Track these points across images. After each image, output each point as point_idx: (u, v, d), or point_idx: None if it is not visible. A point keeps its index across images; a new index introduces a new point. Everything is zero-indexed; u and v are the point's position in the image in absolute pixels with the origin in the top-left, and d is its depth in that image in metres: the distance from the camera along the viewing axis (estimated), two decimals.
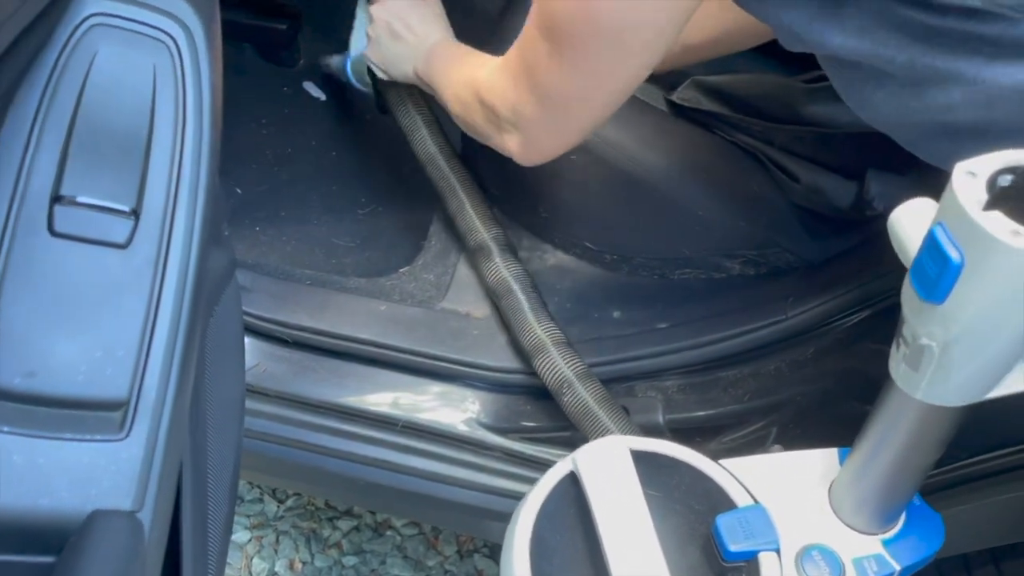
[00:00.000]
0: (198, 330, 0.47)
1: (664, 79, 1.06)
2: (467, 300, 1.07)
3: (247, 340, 1.06)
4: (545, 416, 1.00)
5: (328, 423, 1.02)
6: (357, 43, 1.11)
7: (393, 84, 1.07)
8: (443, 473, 1.01)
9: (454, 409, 1.02)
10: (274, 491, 1.46)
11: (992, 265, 0.45)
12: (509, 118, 0.81)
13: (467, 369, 1.02)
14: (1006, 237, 0.44)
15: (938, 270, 0.47)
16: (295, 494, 1.46)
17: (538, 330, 0.94)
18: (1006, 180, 0.48)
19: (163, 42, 0.46)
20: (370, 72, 1.09)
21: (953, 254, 0.46)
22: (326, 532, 1.43)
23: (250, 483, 1.45)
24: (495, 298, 1.01)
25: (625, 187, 1.00)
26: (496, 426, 1.01)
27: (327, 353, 1.04)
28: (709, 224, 0.99)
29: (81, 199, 0.42)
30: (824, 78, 0.73)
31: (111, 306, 0.42)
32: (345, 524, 1.43)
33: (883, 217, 0.55)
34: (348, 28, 1.58)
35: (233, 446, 0.81)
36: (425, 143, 1.05)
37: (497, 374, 1.02)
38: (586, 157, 0.99)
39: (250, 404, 1.04)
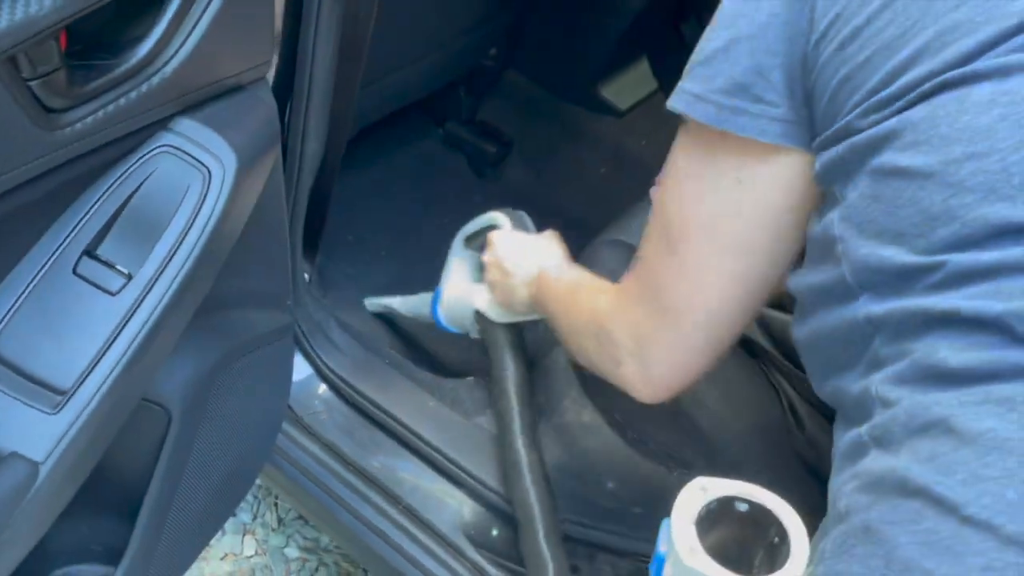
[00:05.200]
0: (148, 362, 0.67)
1: None
2: None
3: (326, 390, 1.28)
4: (517, 546, 1.11)
5: (351, 479, 1.20)
6: (445, 285, 1.21)
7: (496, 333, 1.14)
8: (419, 560, 1.15)
9: (450, 510, 1.16)
10: None
11: (675, 567, 0.54)
12: (628, 344, 0.77)
13: (472, 480, 1.16)
14: (684, 551, 0.53)
15: (656, 557, 0.56)
16: None
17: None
18: (743, 506, 0.56)
19: (201, 172, 0.68)
20: (478, 316, 1.15)
21: (662, 548, 0.55)
22: None
23: None
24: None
25: None
26: (475, 538, 1.13)
27: (373, 423, 1.23)
28: (712, 438, 1.06)
29: (101, 257, 0.65)
30: None
31: (88, 329, 0.64)
32: None
33: None
34: (551, 161, 1.81)
35: (244, 455, 1.01)
36: (503, 367, 1.13)
37: (493, 494, 1.14)
38: None
39: (304, 442, 1.25)
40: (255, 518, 1.63)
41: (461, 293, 1.18)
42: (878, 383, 0.56)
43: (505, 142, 1.79)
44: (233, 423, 0.95)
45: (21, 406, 0.61)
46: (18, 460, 0.60)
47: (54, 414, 0.62)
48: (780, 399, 1.04)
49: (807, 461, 1.00)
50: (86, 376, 0.63)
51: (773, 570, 0.55)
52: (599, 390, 1.21)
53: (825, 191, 0.63)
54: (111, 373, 0.63)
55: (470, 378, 1.30)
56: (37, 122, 0.55)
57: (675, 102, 0.66)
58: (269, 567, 1.58)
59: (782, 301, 1.13)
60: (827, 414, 1.01)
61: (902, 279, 0.55)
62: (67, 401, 0.62)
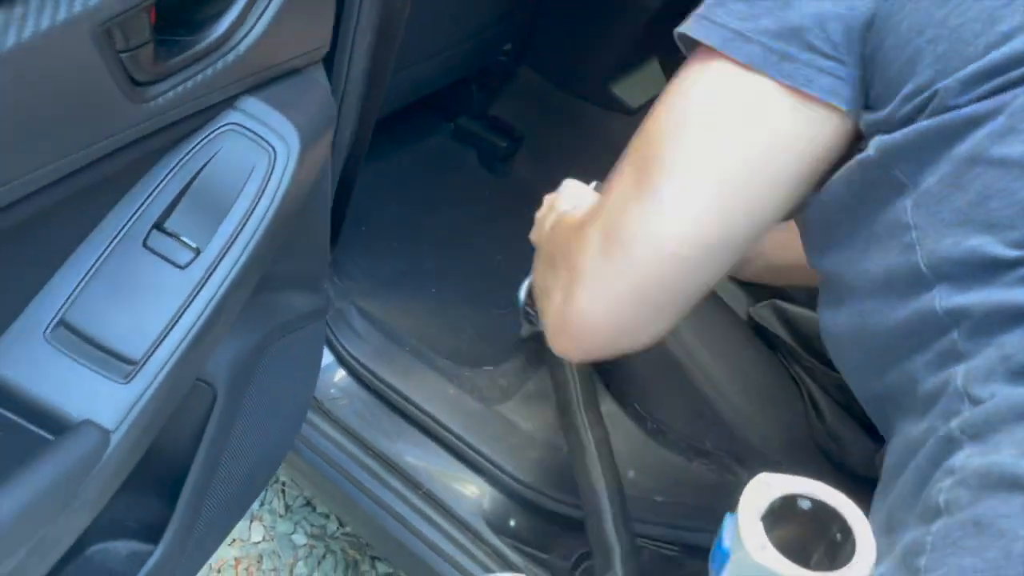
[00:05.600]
0: (212, 336, 0.68)
1: (753, 290, 1.18)
2: (521, 413, 1.23)
3: (346, 378, 1.29)
4: (535, 534, 1.13)
5: (371, 465, 1.21)
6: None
7: None
8: (438, 545, 1.16)
9: (470, 496, 1.17)
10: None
11: (741, 563, 0.55)
12: (563, 276, 0.68)
13: (493, 468, 1.17)
14: (752, 547, 0.54)
15: (718, 551, 0.58)
16: None
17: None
18: (806, 504, 0.58)
19: (267, 151, 0.69)
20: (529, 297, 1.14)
21: (726, 543, 0.57)
22: (364, 567, 1.61)
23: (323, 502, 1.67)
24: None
25: (676, 371, 1.12)
26: (495, 524, 1.15)
27: (394, 409, 1.24)
28: (734, 430, 1.08)
29: (170, 230, 0.66)
30: None
31: (158, 302, 0.65)
32: (382, 568, 1.61)
33: None
34: (560, 158, 1.82)
35: (275, 438, 1.02)
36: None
37: (514, 482, 1.16)
38: None
39: (324, 427, 1.26)
40: (262, 504, 1.64)
41: None
42: (963, 377, 0.54)
43: (516, 137, 1.81)
44: (269, 405, 0.96)
45: (93, 375, 0.62)
46: (91, 427, 0.61)
47: (125, 384, 0.63)
48: (801, 392, 1.07)
49: (828, 453, 1.03)
50: (156, 347, 0.64)
51: (834, 567, 0.56)
52: (615, 380, 1.23)
53: (879, 172, 0.58)
54: (179, 345, 0.64)
55: (488, 367, 1.31)
56: (126, 94, 0.56)
57: (707, 35, 0.58)
58: (276, 553, 1.59)
59: (785, 292, 1.16)
60: (849, 407, 1.04)
61: (989, 271, 0.53)
62: (137, 371, 0.63)
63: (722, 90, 0.59)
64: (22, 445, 0.61)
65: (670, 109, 0.62)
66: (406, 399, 1.24)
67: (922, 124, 0.55)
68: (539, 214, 1.02)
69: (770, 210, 0.61)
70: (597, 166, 1.86)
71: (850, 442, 1.00)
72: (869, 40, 0.56)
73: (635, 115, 1.82)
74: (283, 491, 1.66)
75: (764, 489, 0.57)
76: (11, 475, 0.57)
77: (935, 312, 0.56)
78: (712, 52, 0.58)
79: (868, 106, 0.58)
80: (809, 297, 1.16)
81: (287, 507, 1.65)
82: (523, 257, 1.36)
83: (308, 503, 1.66)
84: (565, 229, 0.75)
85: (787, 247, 1.01)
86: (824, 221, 0.65)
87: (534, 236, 1.02)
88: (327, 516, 1.66)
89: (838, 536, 0.58)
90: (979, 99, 0.53)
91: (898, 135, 0.56)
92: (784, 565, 0.55)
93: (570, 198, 0.98)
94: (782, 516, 0.58)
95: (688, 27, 0.60)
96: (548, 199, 1.03)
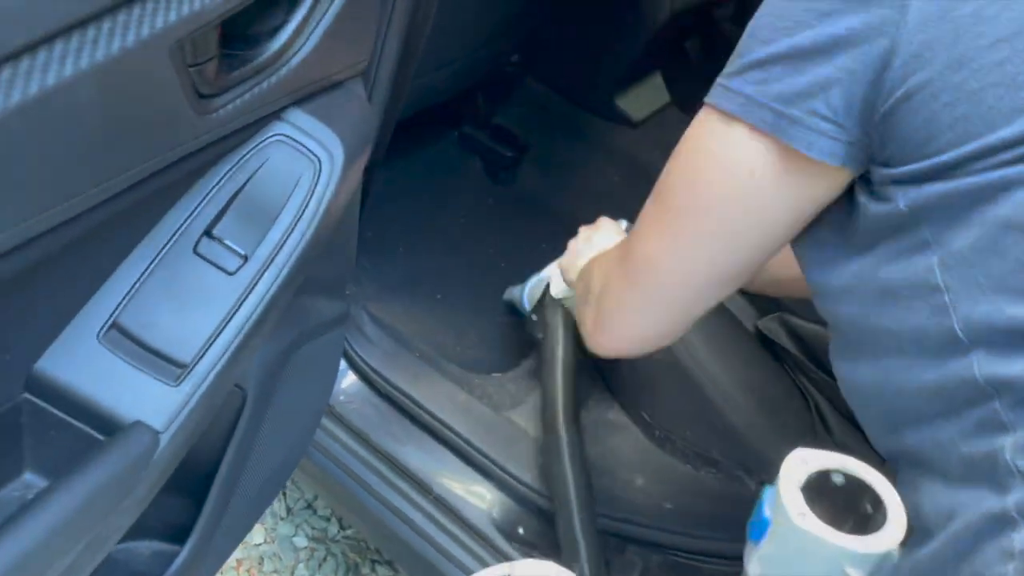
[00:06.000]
0: (256, 342, 0.70)
1: (760, 303, 1.21)
2: (529, 418, 1.25)
3: (357, 382, 1.31)
4: (545, 540, 1.15)
5: (382, 468, 1.23)
6: (547, 271, 1.26)
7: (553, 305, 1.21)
8: (448, 550, 1.18)
9: (480, 500, 1.19)
10: (340, 518, 1.68)
11: (782, 530, 0.58)
12: (596, 288, 0.82)
13: (502, 472, 1.19)
14: (794, 514, 0.57)
15: (757, 521, 0.61)
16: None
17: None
18: (839, 478, 0.61)
19: (312, 161, 0.71)
20: (545, 291, 1.22)
21: (766, 512, 0.60)
22: (365, 570, 1.62)
23: (325, 504, 1.68)
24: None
25: (684, 380, 1.15)
26: (505, 529, 1.17)
27: (404, 414, 1.26)
28: (743, 440, 1.11)
29: (219, 238, 0.67)
30: None
31: (207, 306, 0.66)
32: (383, 571, 1.62)
33: None
34: (564, 168, 1.85)
35: (293, 443, 1.04)
36: (555, 347, 1.18)
37: (523, 488, 1.18)
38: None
39: (334, 430, 1.27)
40: None
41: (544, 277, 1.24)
42: (1012, 451, 0.54)
43: (520, 147, 1.83)
44: (290, 409, 0.97)
45: (145, 377, 0.64)
46: (143, 428, 0.62)
47: (175, 386, 0.64)
48: (808, 403, 1.10)
49: None
50: (205, 351, 0.65)
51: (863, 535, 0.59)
52: (623, 389, 1.26)
53: (903, 226, 0.60)
54: (227, 349, 0.66)
55: (497, 374, 1.33)
56: (193, 106, 0.57)
57: (725, 103, 0.64)
58: (278, 555, 1.60)
59: (789, 304, 1.19)
60: (856, 422, 1.07)
61: None
62: (187, 374, 0.65)
63: (735, 149, 0.65)
64: (75, 445, 0.62)
65: (689, 162, 0.69)
66: (416, 404, 1.26)
67: (950, 185, 0.56)
68: (574, 244, 1.15)
69: (770, 247, 0.69)
70: (600, 177, 1.90)
71: (857, 456, 1.03)
72: (876, 104, 0.58)
73: (638, 127, 1.85)
74: (284, 493, 1.67)
75: (800, 464, 0.61)
76: (69, 473, 0.58)
77: (974, 379, 0.56)
78: (730, 115, 0.64)
79: (884, 163, 0.60)
80: (813, 309, 1.19)
81: (288, 509, 1.66)
82: (525, 264, 1.40)
83: (309, 506, 1.67)
84: (602, 260, 0.87)
85: (788, 264, 1.05)
86: (820, 260, 0.69)
87: (565, 262, 1.14)
88: (328, 519, 1.68)
89: (868, 508, 0.61)
90: (1010, 164, 0.54)
91: (927, 193, 0.57)
92: (824, 529, 0.58)
93: (606, 235, 1.12)
94: (816, 489, 0.61)
95: (713, 98, 0.66)
96: (585, 232, 1.16)
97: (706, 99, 0.66)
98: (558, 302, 1.18)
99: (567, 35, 1.79)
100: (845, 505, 0.62)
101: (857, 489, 0.62)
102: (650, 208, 0.73)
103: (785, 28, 0.60)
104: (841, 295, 0.68)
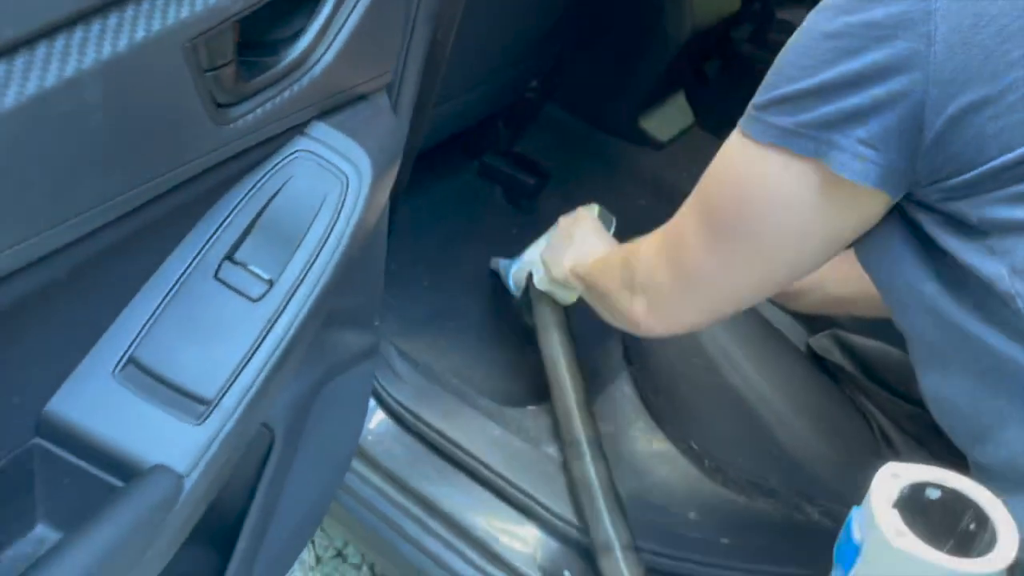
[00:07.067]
0: (284, 375, 0.64)
1: (812, 320, 1.14)
2: None
3: (385, 420, 1.25)
4: None
5: (415, 511, 1.16)
6: (529, 255, 1.30)
7: (540, 298, 1.24)
8: None
9: (521, 543, 1.12)
10: (372, 564, 1.61)
11: (877, 553, 0.51)
12: (643, 282, 0.86)
13: (544, 512, 1.12)
14: (891, 534, 0.51)
15: (846, 545, 0.54)
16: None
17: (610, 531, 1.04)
18: (935, 493, 0.54)
19: (339, 178, 0.66)
20: (528, 281, 1.26)
21: (856, 536, 0.53)
22: None
23: (356, 551, 1.61)
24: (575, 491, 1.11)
25: (736, 406, 1.08)
26: (550, 571, 1.10)
27: (437, 452, 1.19)
28: (801, 465, 1.04)
29: (242, 262, 0.62)
30: None
31: (231, 337, 0.61)
32: None
33: None
34: (588, 193, 1.81)
35: (325, 485, 0.98)
36: (551, 344, 1.20)
37: (567, 526, 1.11)
38: (708, 364, 1.08)
39: (364, 471, 1.21)
40: None
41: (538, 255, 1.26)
42: None
43: (542, 173, 1.79)
44: (319, 449, 0.91)
45: (165, 416, 0.58)
46: (164, 472, 0.56)
47: (198, 425, 0.59)
48: (870, 424, 1.03)
49: None
50: (229, 385, 0.60)
51: (968, 557, 0.53)
52: (668, 417, 1.19)
53: (971, 236, 0.62)
54: (253, 383, 0.60)
55: (532, 406, 1.27)
56: (210, 115, 0.53)
57: (761, 134, 0.67)
58: None
59: (841, 321, 1.13)
60: (921, 439, 1.00)
61: None
62: (210, 412, 0.59)
63: (776, 177, 0.68)
64: (91, 492, 0.56)
65: (735, 190, 0.73)
66: (449, 440, 1.20)
67: (1009, 191, 0.59)
68: (555, 237, 1.22)
69: (808, 266, 0.74)
70: (626, 201, 1.85)
71: None
72: (924, 130, 0.60)
73: (663, 149, 1.80)
74: (313, 542, 1.60)
75: (890, 480, 0.54)
76: (84, 524, 0.53)
77: None
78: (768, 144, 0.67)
79: (938, 180, 0.62)
80: (868, 325, 1.12)
81: (318, 558, 1.59)
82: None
83: (339, 553, 1.60)
84: (605, 266, 0.97)
85: (848, 280, 1.00)
86: (887, 271, 0.71)
87: (549, 257, 1.19)
88: (359, 567, 1.60)
89: (971, 526, 0.55)
90: None
91: (993, 203, 0.60)
92: (926, 550, 0.51)
93: (584, 231, 1.18)
94: (909, 507, 0.54)
95: (749, 128, 0.69)
96: (564, 222, 1.24)
97: (741, 127, 0.69)
98: (547, 296, 1.23)
99: (585, 58, 1.76)
100: (942, 523, 0.55)
101: (956, 504, 0.55)
102: (692, 223, 0.78)
103: (812, 66, 0.63)
104: (910, 305, 0.69)
